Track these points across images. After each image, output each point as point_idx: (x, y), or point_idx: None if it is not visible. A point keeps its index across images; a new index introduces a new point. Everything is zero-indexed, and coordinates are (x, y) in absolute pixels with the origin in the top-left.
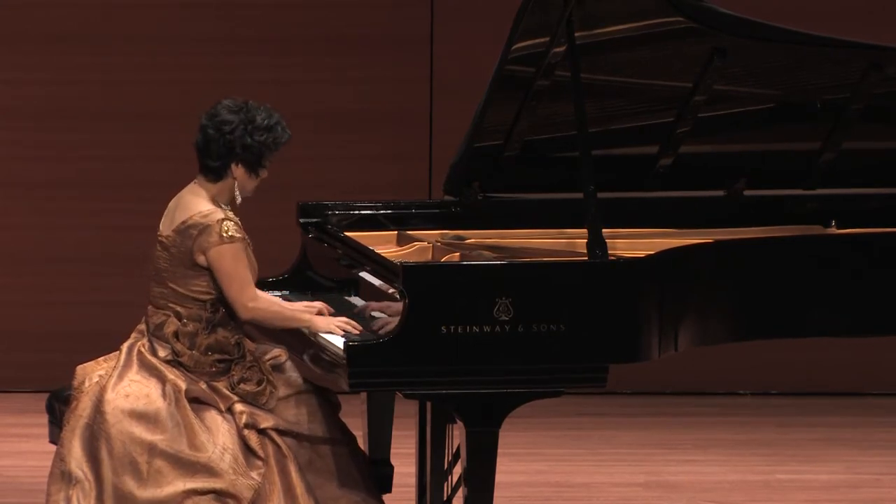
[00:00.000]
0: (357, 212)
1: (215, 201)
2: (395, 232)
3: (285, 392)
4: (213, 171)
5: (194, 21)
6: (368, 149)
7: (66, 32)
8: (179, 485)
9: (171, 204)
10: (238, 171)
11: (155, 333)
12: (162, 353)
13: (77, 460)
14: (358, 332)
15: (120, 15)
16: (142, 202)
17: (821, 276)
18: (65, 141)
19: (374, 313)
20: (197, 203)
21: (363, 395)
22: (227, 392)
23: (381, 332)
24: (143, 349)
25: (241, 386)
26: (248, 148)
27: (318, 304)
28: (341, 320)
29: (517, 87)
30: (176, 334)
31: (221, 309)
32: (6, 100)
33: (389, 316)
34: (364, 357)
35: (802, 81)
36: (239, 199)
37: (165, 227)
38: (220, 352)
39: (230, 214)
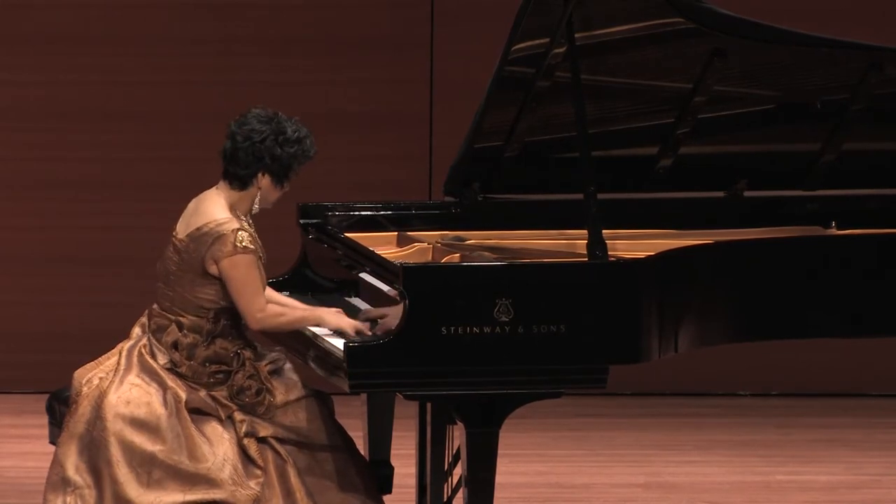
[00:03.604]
0: (357, 213)
1: (234, 210)
2: (396, 233)
3: (283, 399)
4: (239, 179)
5: (194, 21)
6: (368, 149)
7: (66, 32)
8: (178, 496)
9: (191, 206)
10: (264, 181)
11: (156, 335)
12: (162, 359)
13: (75, 466)
14: (368, 335)
15: (120, 15)
16: (141, 202)
17: (821, 277)
18: (65, 141)
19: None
20: (214, 210)
21: (363, 395)
22: (227, 401)
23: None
24: (143, 351)
25: (240, 396)
26: (278, 159)
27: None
28: (353, 321)
29: (517, 88)
30: (175, 345)
31: (223, 321)
32: (6, 100)
33: (389, 317)
34: (364, 358)
35: (802, 82)
36: (257, 209)
37: (182, 230)
38: (219, 363)
39: (245, 225)
